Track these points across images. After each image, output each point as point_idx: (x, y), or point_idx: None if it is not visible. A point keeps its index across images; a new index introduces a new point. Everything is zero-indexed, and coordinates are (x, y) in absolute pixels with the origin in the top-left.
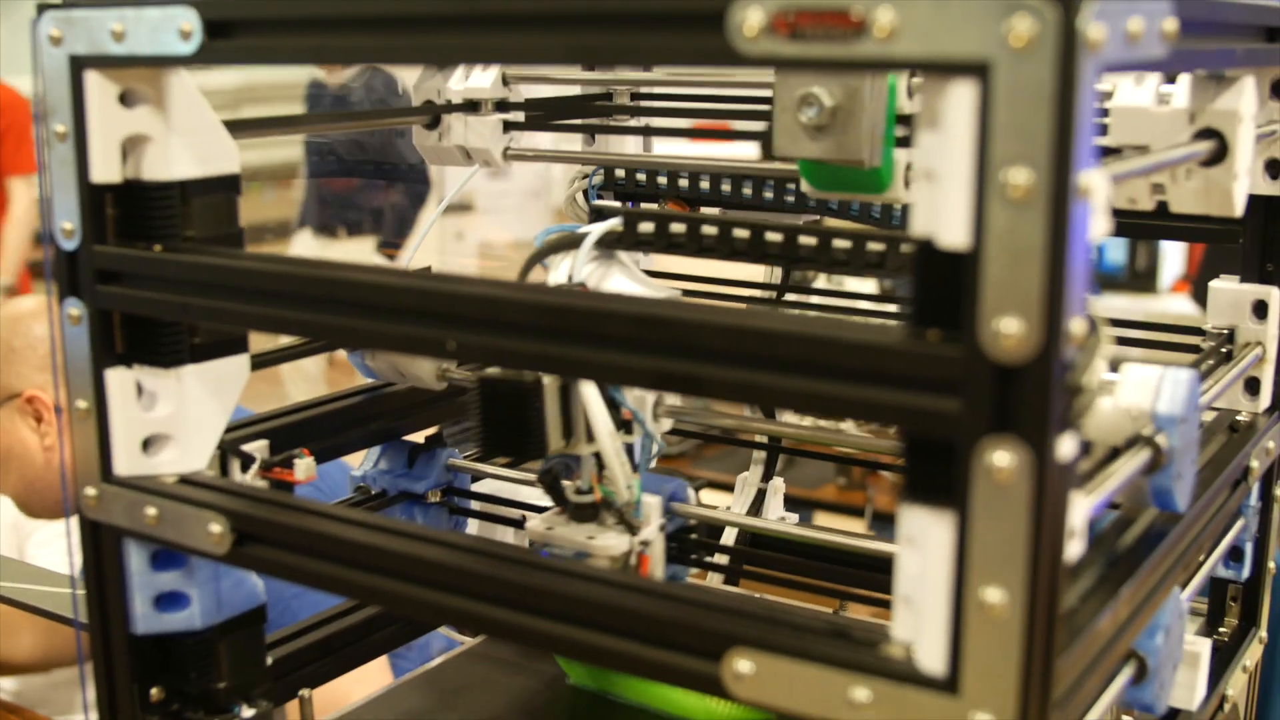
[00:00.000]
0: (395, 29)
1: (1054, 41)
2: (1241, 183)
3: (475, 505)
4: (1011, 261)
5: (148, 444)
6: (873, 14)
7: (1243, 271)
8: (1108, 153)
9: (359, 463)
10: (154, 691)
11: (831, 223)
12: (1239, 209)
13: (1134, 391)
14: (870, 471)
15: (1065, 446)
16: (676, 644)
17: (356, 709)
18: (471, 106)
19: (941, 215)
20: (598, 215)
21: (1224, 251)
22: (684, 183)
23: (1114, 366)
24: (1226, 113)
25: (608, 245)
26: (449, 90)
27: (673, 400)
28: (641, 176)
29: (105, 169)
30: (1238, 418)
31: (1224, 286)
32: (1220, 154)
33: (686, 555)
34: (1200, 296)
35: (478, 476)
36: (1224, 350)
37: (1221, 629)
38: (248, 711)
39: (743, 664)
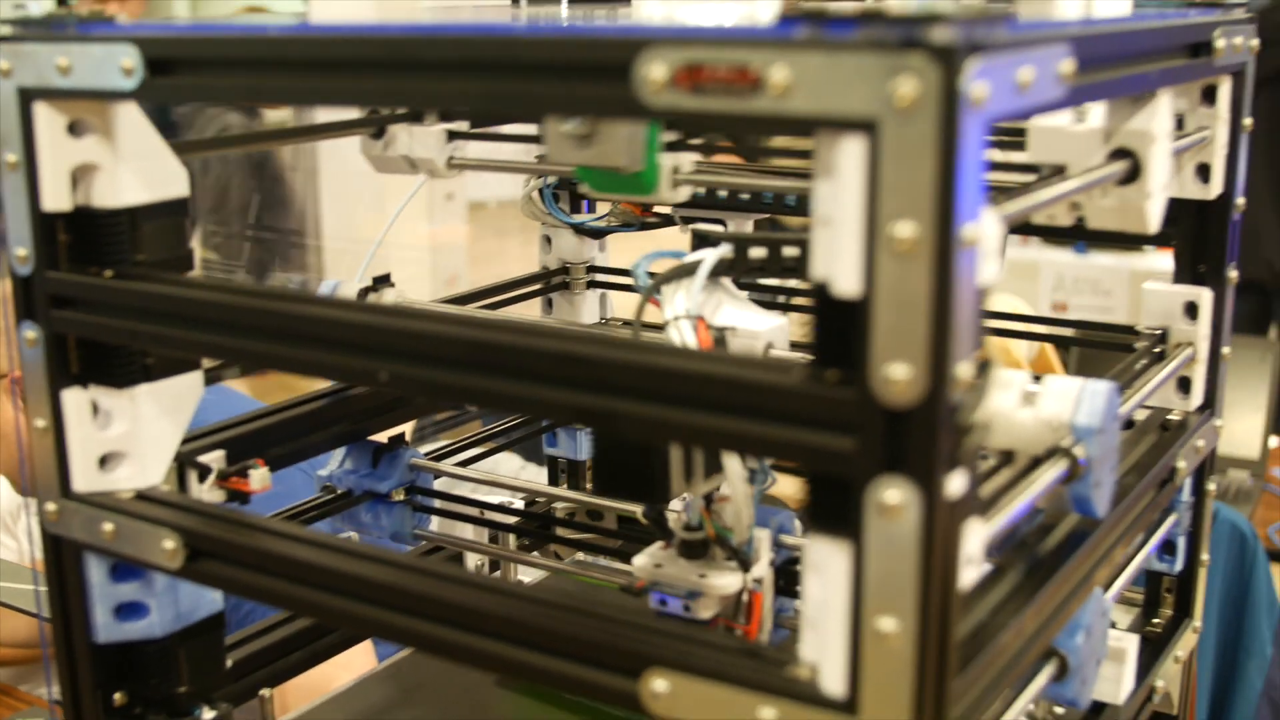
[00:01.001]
0: (324, 72)
1: (936, 101)
2: (1155, 201)
3: (437, 503)
4: (899, 310)
5: (104, 461)
6: (768, 71)
7: (1175, 274)
8: (1027, 169)
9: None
10: (117, 696)
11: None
12: (1154, 226)
13: (1054, 403)
14: None
15: (954, 484)
16: (599, 662)
17: (318, 705)
18: (415, 117)
19: (836, 263)
20: (701, 241)
21: (1251, 221)
22: None
23: (1036, 379)
24: (1140, 133)
25: (718, 273)
26: None
27: None
28: None
29: (55, 197)
30: (1169, 416)
31: (1157, 289)
32: (1134, 173)
33: (793, 587)
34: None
35: (439, 475)
36: (1156, 350)
37: (1155, 620)
38: (208, 714)
39: (659, 683)
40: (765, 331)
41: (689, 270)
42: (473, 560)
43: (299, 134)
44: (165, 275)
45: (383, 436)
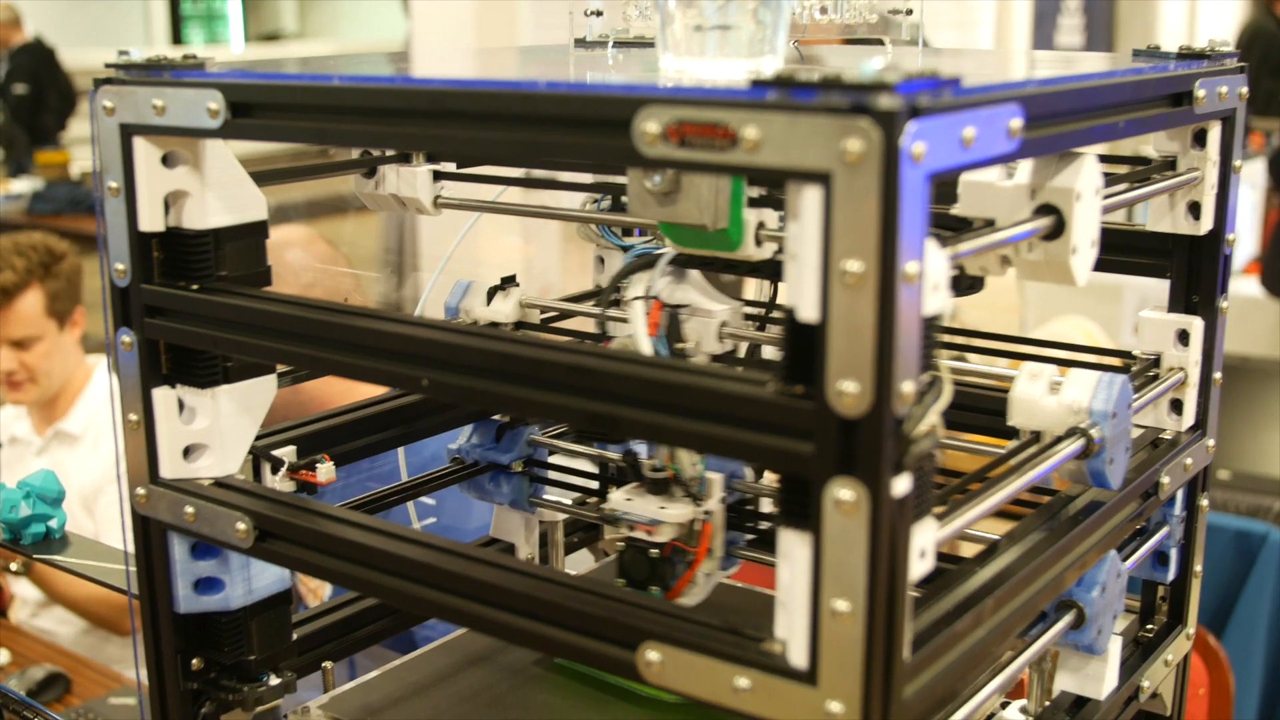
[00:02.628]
0: (379, 118)
1: (878, 157)
2: (1081, 256)
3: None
4: (849, 335)
5: (188, 452)
6: (742, 129)
7: (1170, 303)
8: (961, 222)
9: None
10: (195, 662)
11: None
12: (1080, 280)
13: (1075, 391)
14: None
15: (899, 485)
16: (602, 635)
17: (367, 681)
18: (404, 157)
19: (800, 292)
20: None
21: None
22: None
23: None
24: (1063, 190)
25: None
26: None
27: None
28: None
29: (151, 219)
30: (1162, 435)
31: (1152, 317)
32: (1059, 229)
33: (743, 524)
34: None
35: (554, 450)
36: (1151, 374)
37: (1150, 626)
38: (274, 680)
39: (652, 654)
40: (720, 311)
41: (651, 261)
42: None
43: (301, 173)
44: (244, 290)
45: None
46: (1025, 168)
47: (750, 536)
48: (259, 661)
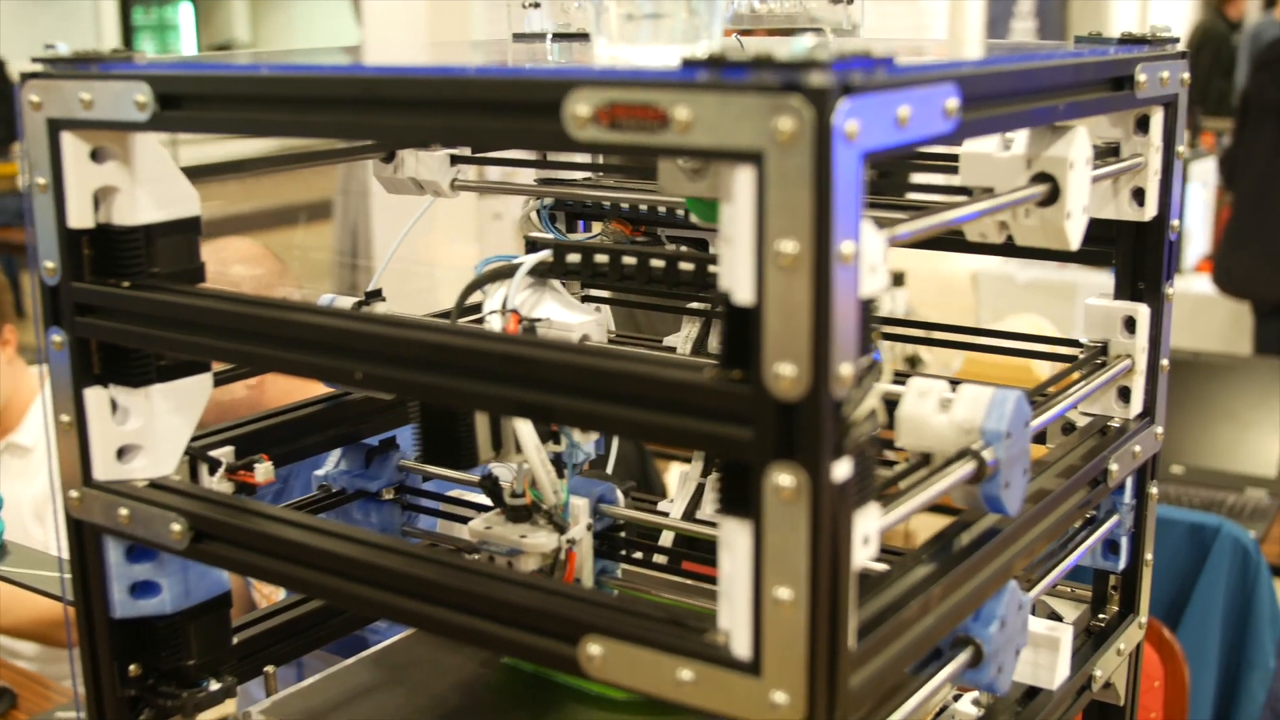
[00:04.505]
0: (308, 108)
1: (811, 136)
2: (1075, 221)
3: (424, 502)
4: (785, 317)
5: (122, 453)
6: (672, 110)
7: (1116, 290)
8: (961, 191)
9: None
10: (132, 668)
11: None
12: (1074, 244)
13: (967, 409)
14: None
15: (840, 470)
16: (542, 629)
17: (309, 685)
18: (421, 143)
19: (735, 275)
20: (532, 246)
21: (1244, 228)
22: (626, 205)
23: (953, 385)
24: (1057, 159)
25: (541, 274)
26: None
27: None
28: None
29: (80, 216)
30: (1110, 423)
31: (1097, 304)
32: (1053, 196)
33: (615, 552)
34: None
35: (427, 476)
36: (1098, 361)
37: (1102, 615)
38: (215, 685)
39: (594, 648)
40: (578, 324)
41: (509, 271)
42: None
43: (317, 158)
44: (177, 286)
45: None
46: (1021, 139)
47: (624, 565)
48: (198, 666)
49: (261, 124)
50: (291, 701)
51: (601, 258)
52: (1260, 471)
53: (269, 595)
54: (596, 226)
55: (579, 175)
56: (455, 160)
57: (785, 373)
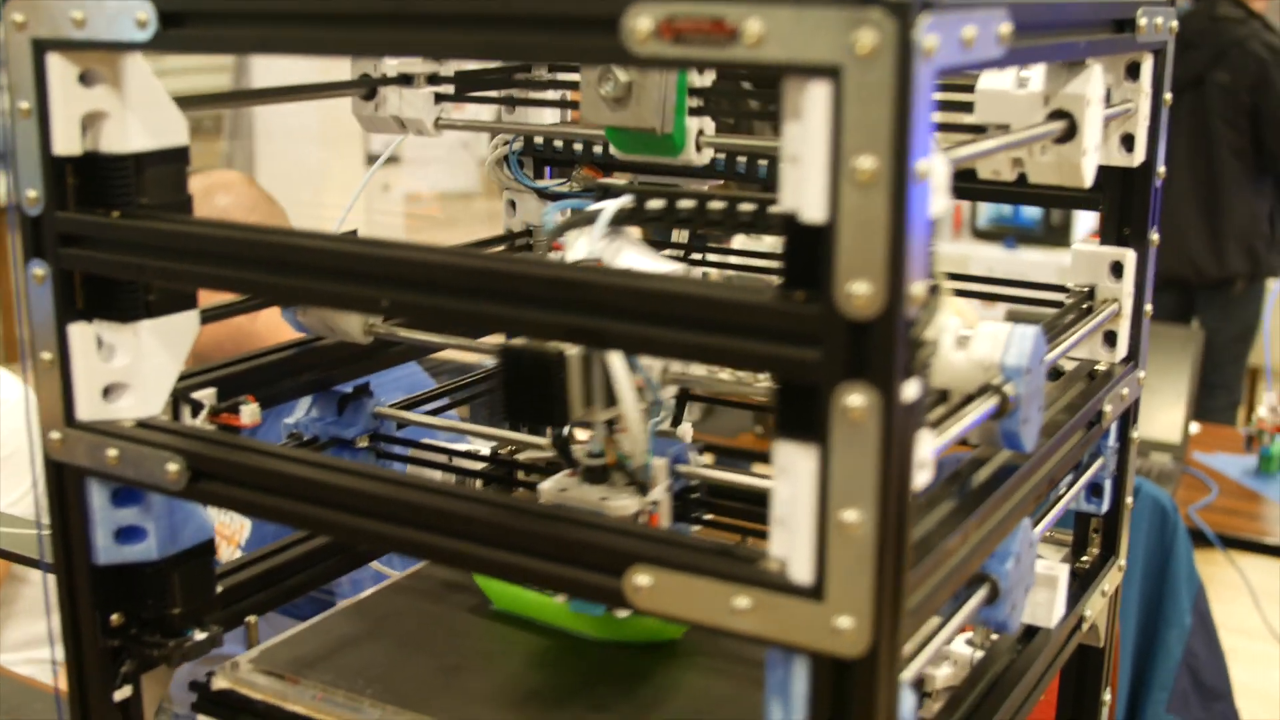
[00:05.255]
0: (330, 24)
1: (892, 50)
2: (1090, 158)
3: (398, 450)
4: (860, 234)
5: (107, 391)
6: (743, 24)
7: (1101, 234)
8: (974, 129)
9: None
10: (114, 617)
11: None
12: (1088, 180)
13: (985, 345)
14: None
15: (909, 390)
16: (585, 562)
17: (293, 635)
18: (405, 79)
19: (803, 194)
20: (604, 192)
21: None
22: (598, 149)
23: (969, 324)
24: (1075, 96)
25: (618, 223)
26: (385, 64)
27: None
28: (559, 143)
29: (66, 142)
30: (1096, 367)
31: (1084, 249)
32: (1070, 132)
33: (689, 513)
34: None
35: (402, 424)
36: (1084, 306)
37: (1084, 558)
38: (199, 634)
39: (642, 578)
40: (667, 271)
41: (590, 218)
42: None
43: (294, 93)
44: (171, 215)
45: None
46: (1038, 76)
47: (696, 528)
48: (182, 615)
49: (279, 42)
50: (278, 651)
51: (687, 203)
52: (1165, 437)
53: (230, 537)
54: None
55: (547, 119)
56: (440, 99)
57: (859, 291)
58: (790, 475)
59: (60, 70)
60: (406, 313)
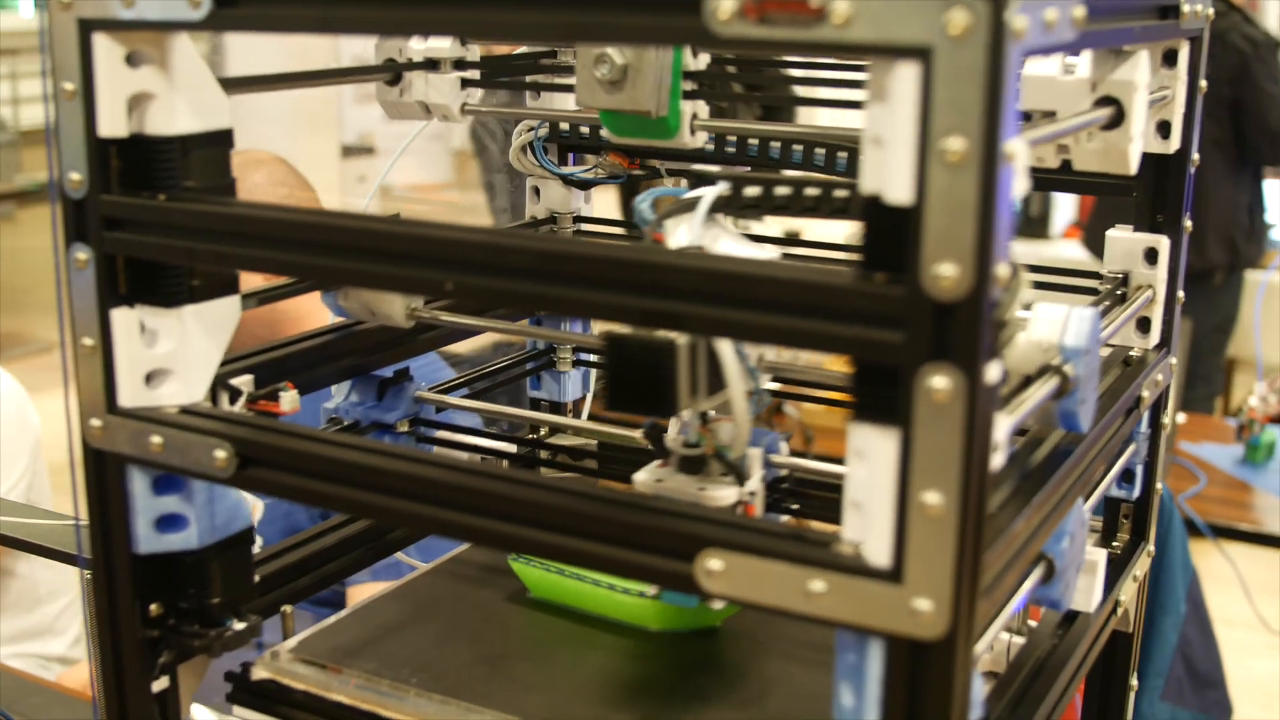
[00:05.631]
0: (394, 2)
1: (985, 31)
2: (1136, 145)
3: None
4: (948, 215)
5: (150, 378)
6: (831, 4)
7: (1136, 221)
8: (1021, 117)
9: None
10: (153, 607)
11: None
12: (1134, 168)
13: (1044, 327)
14: None
15: (992, 372)
16: (655, 547)
17: (331, 623)
18: (431, 64)
19: (888, 176)
20: (642, 177)
21: (1112, 201)
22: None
23: (1025, 306)
24: (1124, 82)
25: (715, 210)
26: (410, 49)
27: None
28: (585, 129)
29: (112, 124)
30: (1130, 353)
31: (1119, 235)
32: (1118, 119)
33: (779, 504)
34: (1090, 242)
35: (441, 408)
36: (1119, 293)
37: (1114, 543)
38: (238, 625)
39: (714, 562)
40: (762, 258)
41: (689, 205)
42: None
43: (322, 76)
44: (217, 198)
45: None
46: (1085, 63)
47: (785, 517)
48: (221, 605)
49: (339, 21)
50: (320, 639)
51: (783, 190)
52: None
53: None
54: (588, 160)
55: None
56: (466, 84)
57: (946, 273)
58: (868, 458)
59: (107, 51)
60: (470, 295)
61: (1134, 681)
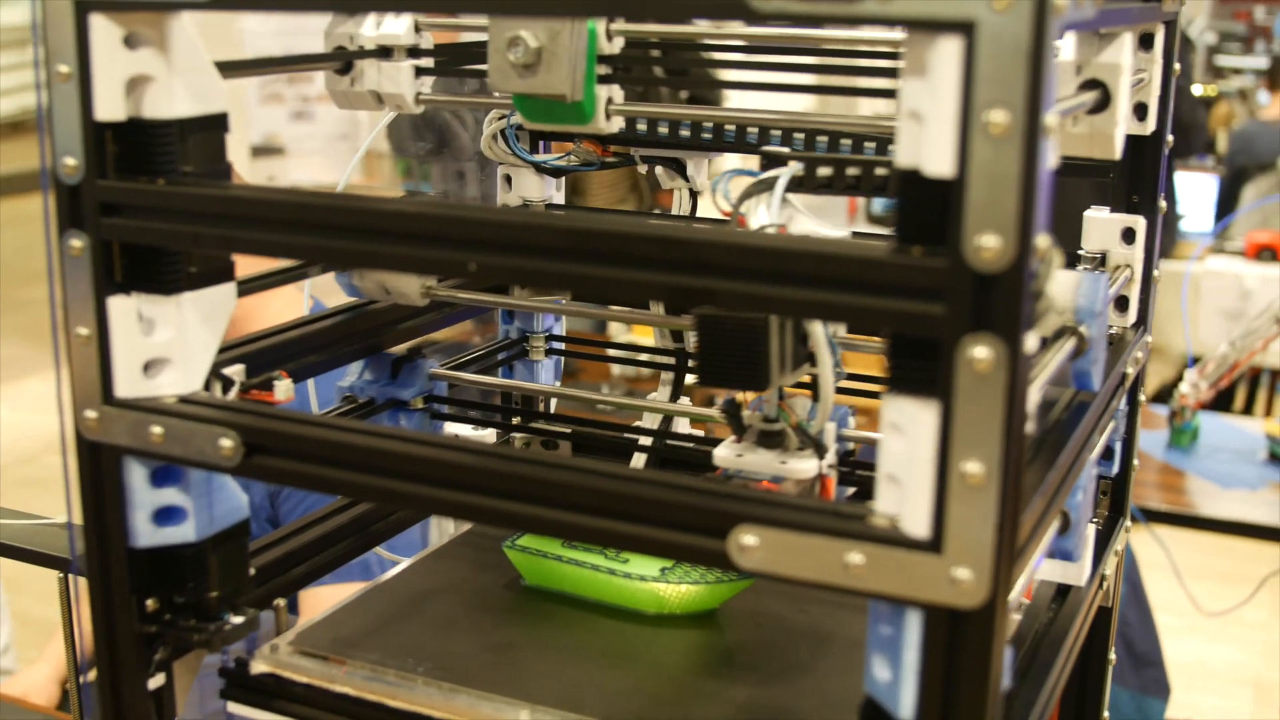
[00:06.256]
0: None
1: (1030, 4)
2: (1121, 128)
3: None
4: (991, 187)
5: (148, 367)
6: None
7: (1113, 202)
8: None
9: None
10: (149, 603)
11: None
12: (1119, 151)
13: (1059, 289)
14: None
15: (1030, 341)
16: (687, 525)
17: (332, 614)
18: (384, 52)
19: (927, 149)
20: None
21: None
22: None
23: None
24: (1110, 65)
25: (790, 190)
26: (362, 36)
27: None
28: None
29: (109, 107)
30: (1110, 331)
31: (1097, 216)
32: (1104, 102)
33: (850, 476)
34: None
35: (454, 384)
36: (1098, 272)
37: (1094, 519)
38: (236, 619)
39: (748, 538)
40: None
41: (768, 185)
42: None
43: (267, 65)
44: (219, 182)
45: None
46: (1069, 45)
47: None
48: (219, 598)
49: (361, 0)
50: (319, 632)
51: (853, 170)
52: None
53: None
54: (561, 148)
55: None
56: (420, 73)
57: (989, 244)
58: (905, 430)
59: (104, 31)
60: (495, 276)
61: (1113, 655)
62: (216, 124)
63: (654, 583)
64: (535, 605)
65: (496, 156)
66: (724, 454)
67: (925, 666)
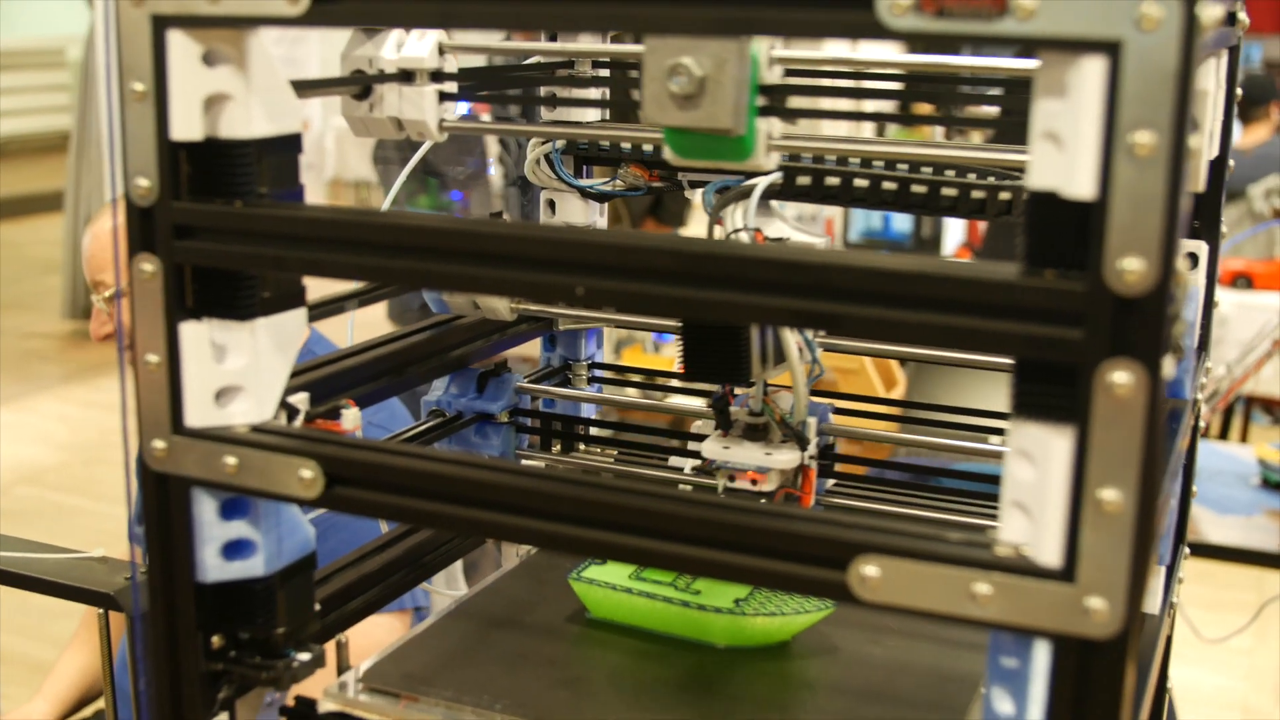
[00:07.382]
0: None
1: (1178, 23)
2: (1205, 155)
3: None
4: (1135, 209)
5: (220, 395)
6: None
7: None
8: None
9: None
10: (214, 639)
11: None
12: (1204, 181)
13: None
14: None
15: (1169, 365)
16: (805, 556)
17: (398, 648)
18: (406, 76)
19: (1067, 171)
20: (662, 189)
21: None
22: (648, 148)
23: None
24: (1199, 91)
25: (769, 197)
26: (381, 60)
27: None
28: (605, 142)
29: (186, 127)
30: None
31: None
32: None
33: (829, 468)
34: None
35: (536, 397)
36: None
37: None
38: (303, 655)
39: (869, 569)
40: (818, 245)
41: (745, 193)
42: None
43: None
44: (300, 204)
45: None
46: None
47: (832, 481)
48: (286, 634)
49: (457, 15)
50: (386, 667)
51: (832, 180)
52: None
53: None
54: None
55: (588, 116)
56: (444, 98)
57: (1132, 267)
58: (1035, 457)
59: (182, 49)
60: (608, 301)
61: (1171, 684)
62: (291, 145)
63: (729, 614)
64: (603, 637)
65: (540, 181)
66: (711, 447)
67: (1053, 699)
